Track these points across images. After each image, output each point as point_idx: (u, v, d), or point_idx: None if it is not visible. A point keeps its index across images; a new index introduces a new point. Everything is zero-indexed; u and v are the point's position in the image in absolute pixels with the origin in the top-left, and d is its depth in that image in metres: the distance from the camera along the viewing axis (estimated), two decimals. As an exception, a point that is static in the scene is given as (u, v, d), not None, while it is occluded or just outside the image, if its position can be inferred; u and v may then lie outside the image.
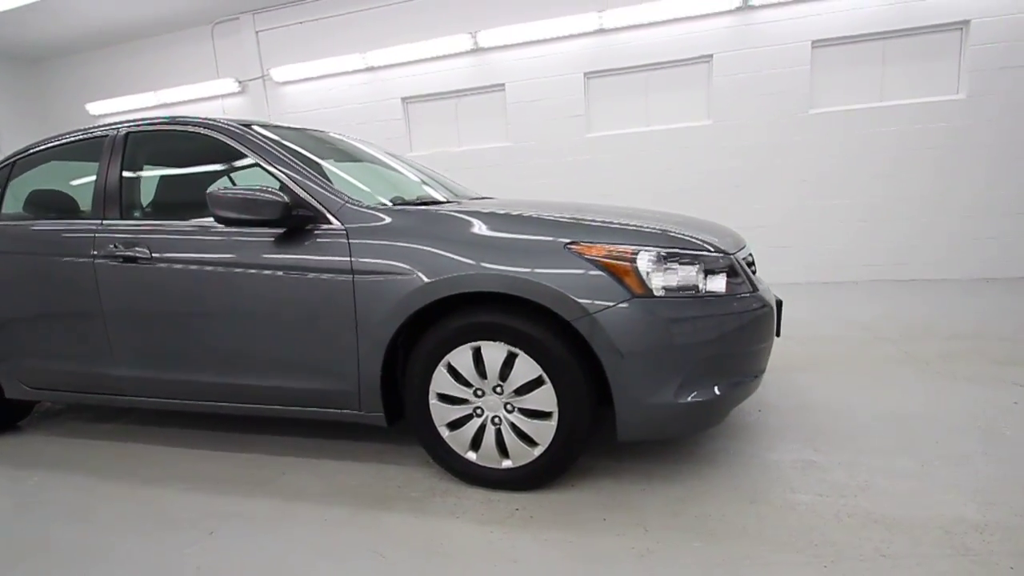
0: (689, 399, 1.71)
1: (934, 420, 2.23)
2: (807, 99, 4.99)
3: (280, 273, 1.97)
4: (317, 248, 1.94)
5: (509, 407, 1.81)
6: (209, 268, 2.07)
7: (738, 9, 4.95)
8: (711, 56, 5.14)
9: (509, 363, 1.77)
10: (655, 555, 1.51)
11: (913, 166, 4.88)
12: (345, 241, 1.91)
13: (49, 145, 2.60)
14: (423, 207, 2.01)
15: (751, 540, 1.55)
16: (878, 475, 1.84)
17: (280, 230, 2.00)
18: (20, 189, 2.71)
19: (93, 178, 2.65)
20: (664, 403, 1.69)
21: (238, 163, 2.33)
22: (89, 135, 2.50)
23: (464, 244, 1.79)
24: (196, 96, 6.75)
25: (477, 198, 2.84)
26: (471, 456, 1.88)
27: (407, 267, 1.80)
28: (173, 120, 2.32)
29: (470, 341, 1.79)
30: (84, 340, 2.32)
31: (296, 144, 2.24)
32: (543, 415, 1.78)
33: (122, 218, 2.29)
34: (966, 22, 4.59)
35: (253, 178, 2.67)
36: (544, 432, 1.78)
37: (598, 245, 1.71)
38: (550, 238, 1.75)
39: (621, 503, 1.77)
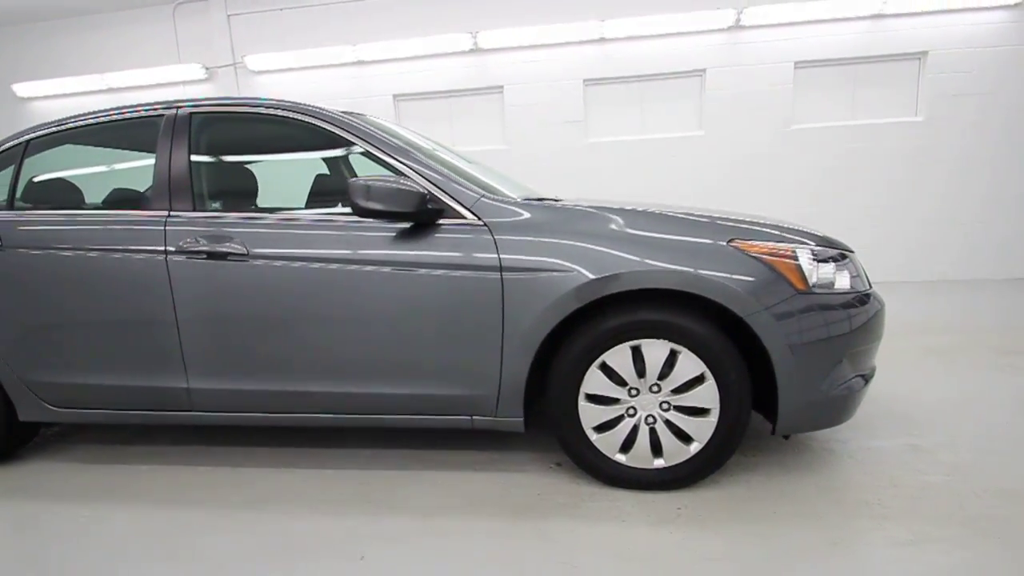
0: (838, 391, 1.78)
1: (991, 403, 2.48)
2: (789, 115, 5.39)
3: (410, 271, 1.83)
4: (453, 244, 1.82)
5: (665, 405, 1.80)
6: (319, 265, 1.88)
7: (730, 28, 5.26)
8: (704, 70, 5.42)
9: (669, 361, 1.76)
10: (846, 542, 1.56)
11: (878, 180, 5.40)
12: (489, 237, 1.81)
13: (73, 125, 2.25)
14: (556, 202, 1.95)
15: (919, 519, 1.64)
16: (982, 454, 2.02)
17: (405, 224, 1.87)
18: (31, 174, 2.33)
19: (130, 163, 2.36)
20: (820, 395, 1.75)
21: (330, 152, 2.15)
22: (130, 115, 2.19)
23: (624, 241, 1.76)
24: (152, 81, 6.11)
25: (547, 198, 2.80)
26: (620, 458, 1.84)
27: (566, 263, 1.74)
28: (255, 102, 2.09)
29: (629, 340, 1.76)
30: (143, 348, 2.02)
31: (391, 134, 2.09)
32: (701, 412, 1.78)
33: (195, 209, 2.03)
34: (924, 53, 5.18)
35: (336, 168, 2.47)
36: (703, 429, 1.78)
37: (760, 243, 1.75)
38: (710, 235, 1.77)
39: (778, 495, 1.81)
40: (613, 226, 1.82)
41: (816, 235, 1.87)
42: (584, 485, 1.92)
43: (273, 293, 1.91)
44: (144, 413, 2.11)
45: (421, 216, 1.81)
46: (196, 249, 1.93)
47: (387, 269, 1.85)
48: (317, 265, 1.88)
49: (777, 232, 1.81)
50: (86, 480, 2.16)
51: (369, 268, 1.86)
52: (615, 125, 5.67)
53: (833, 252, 1.82)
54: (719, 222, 1.82)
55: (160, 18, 6.06)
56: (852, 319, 1.79)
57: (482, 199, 1.88)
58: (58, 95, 6.36)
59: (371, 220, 1.89)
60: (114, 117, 2.22)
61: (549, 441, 2.23)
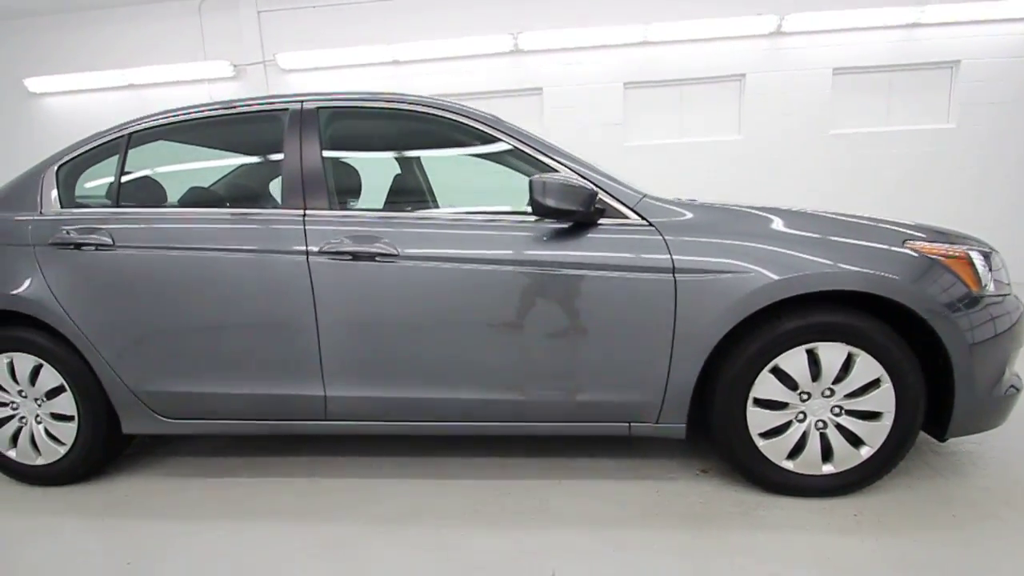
0: (1004, 392, 1.78)
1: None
2: (828, 120, 5.46)
3: (572, 272, 1.77)
4: (619, 245, 1.77)
5: (837, 410, 1.76)
6: (472, 267, 1.80)
7: (771, 34, 5.31)
8: (744, 75, 5.46)
9: (846, 364, 1.73)
10: (1047, 545, 1.55)
11: (912, 185, 5.51)
12: (658, 238, 1.76)
13: (179, 118, 2.13)
14: (714, 204, 1.91)
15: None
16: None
17: (564, 224, 1.80)
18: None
19: (239, 159, 2.25)
20: (990, 398, 1.74)
21: (474, 149, 2.07)
22: (245, 108, 2.08)
23: (801, 243, 1.72)
24: (176, 78, 5.91)
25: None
26: (787, 464, 1.81)
27: (745, 265, 1.70)
28: (395, 97, 2.00)
29: (804, 343, 1.72)
30: (277, 354, 1.92)
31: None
32: (873, 416, 1.75)
33: (331, 208, 1.93)
34: (957, 62, 5.30)
35: (451, 166, 2.38)
36: (875, 433, 1.75)
37: (935, 244, 1.74)
38: (883, 237, 1.74)
39: (946, 498, 1.79)
40: (781, 227, 1.78)
41: (969, 236, 1.87)
42: (742, 492, 1.87)
43: (423, 295, 1.83)
44: (272, 423, 2.00)
45: (587, 215, 1.75)
46: (342, 250, 1.83)
47: (547, 270, 1.78)
48: (470, 266, 1.80)
49: (945, 234, 1.80)
50: (192, 495, 2.03)
51: (528, 269, 1.79)
52: (654, 128, 5.67)
53: (996, 255, 1.82)
54: (883, 224, 1.80)
55: (185, 13, 5.87)
56: (1013, 318, 1.78)
57: (645, 199, 1.83)
58: (73, 91, 6.11)
59: (527, 219, 1.84)
60: (226, 110, 2.10)
61: (677, 447, 2.19)
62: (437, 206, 2.18)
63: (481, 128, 1.93)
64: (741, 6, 5.26)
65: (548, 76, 5.60)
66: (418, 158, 2.26)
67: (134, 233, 1.96)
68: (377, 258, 1.83)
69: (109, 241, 1.95)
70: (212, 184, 2.25)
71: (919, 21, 5.18)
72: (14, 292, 1.98)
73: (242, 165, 2.34)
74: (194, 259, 1.91)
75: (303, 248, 1.86)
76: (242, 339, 1.92)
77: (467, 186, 2.28)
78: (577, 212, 1.70)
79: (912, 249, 1.71)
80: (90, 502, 2.02)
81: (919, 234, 1.77)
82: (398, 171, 2.21)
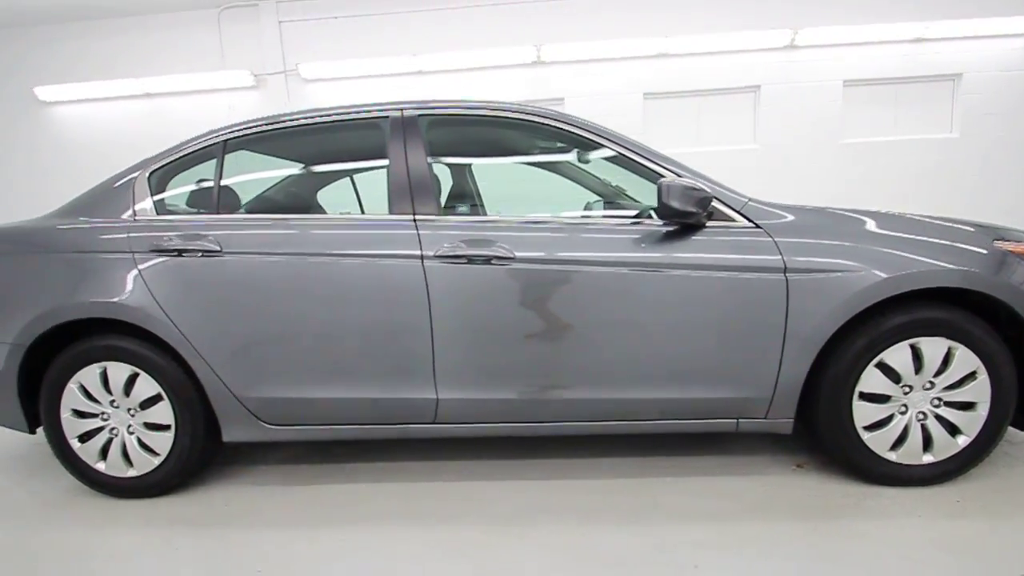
0: None
1: None
2: (839, 130, 5.67)
3: (685, 273, 1.83)
4: (730, 246, 1.84)
5: (936, 401, 1.85)
6: (586, 268, 1.85)
7: (785, 47, 5.51)
8: (759, 86, 5.64)
9: (946, 358, 1.81)
10: None
11: (920, 192, 5.73)
12: (768, 239, 1.83)
13: (273, 125, 2.15)
14: (808, 206, 2.00)
15: None
16: None
17: (671, 227, 1.87)
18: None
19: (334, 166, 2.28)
20: None
21: (561, 155, 2.13)
22: (340, 116, 2.11)
23: (903, 243, 1.81)
24: (194, 87, 5.85)
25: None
26: (890, 456, 1.88)
27: (853, 264, 1.78)
28: (494, 105, 2.05)
29: (908, 338, 1.81)
30: (389, 358, 1.93)
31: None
32: (969, 406, 1.84)
33: (439, 213, 1.97)
34: (959, 75, 5.56)
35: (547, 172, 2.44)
36: (972, 423, 1.84)
37: (1022, 244, 1.84)
38: (975, 238, 1.85)
39: (1037, 485, 1.89)
40: (878, 228, 1.87)
41: None
42: (845, 485, 1.94)
43: (538, 297, 1.87)
44: (380, 427, 2.00)
45: (701, 218, 1.82)
46: (457, 253, 1.86)
47: (661, 272, 1.84)
48: (584, 268, 1.85)
49: (1017, 231, 1.92)
50: (294, 502, 2.03)
51: (640, 271, 1.85)
52: (673, 137, 5.80)
53: None
54: (967, 225, 1.91)
55: (203, 22, 5.82)
56: None
57: (750, 202, 1.91)
58: (86, 100, 5.99)
59: (635, 222, 1.91)
60: (322, 118, 2.13)
61: (762, 443, 2.26)
62: (537, 211, 2.22)
63: (585, 135, 1.99)
64: (756, 20, 5.44)
65: (569, 87, 5.70)
66: (517, 164, 2.31)
67: (242, 239, 1.96)
68: (493, 261, 1.86)
69: (216, 247, 1.95)
70: (304, 190, 2.26)
71: (924, 36, 5.43)
72: (115, 300, 1.96)
73: (339, 172, 2.36)
74: (304, 265, 1.92)
75: (418, 252, 1.88)
76: (353, 343, 1.93)
77: (565, 192, 2.33)
78: (696, 214, 1.77)
79: (1002, 247, 1.82)
80: (191, 513, 2.00)
81: (1003, 234, 1.88)
82: (495, 176, 2.26)
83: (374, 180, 2.30)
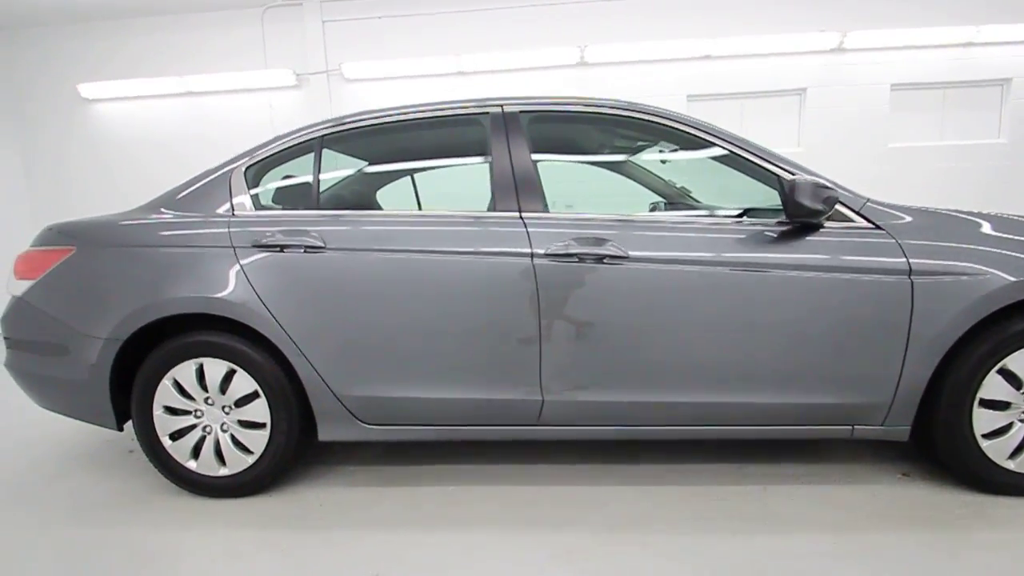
0: None
1: None
2: (886, 135, 5.60)
3: (803, 275, 1.79)
4: (850, 247, 1.80)
5: (1061, 409, 1.79)
6: (699, 269, 1.81)
7: (832, 50, 5.45)
8: (805, 89, 5.58)
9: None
10: None
11: (966, 198, 5.65)
12: (891, 240, 1.78)
13: (369, 120, 2.12)
14: (923, 208, 1.95)
15: None
16: None
17: (786, 227, 1.83)
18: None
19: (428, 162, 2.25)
20: None
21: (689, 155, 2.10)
22: (436, 112, 2.08)
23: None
24: (236, 86, 5.86)
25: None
26: (1009, 464, 1.82)
27: (978, 267, 1.73)
28: (599, 101, 2.03)
29: (1034, 344, 1.75)
30: (495, 358, 1.90)
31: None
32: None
33: (545, 210, 1.93)
34: (1009, 80, 5.49)
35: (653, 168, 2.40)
36: (1095, 434, 1.79)
37: None
38: None
39: None
40: (997, 231, 1.82)
41: None
42: (959, 494, 1.90)
43: (651, 298, 1.83)
44: (480, 428, 1.96)
45: (822, 218, 1.78)
46: (570, 252, 1.83)
47: (779, 272, 1.80)
48: (699, 268, 1.81)
49: None
50: (393, 504, 1.99)
51: (757, 271, 1.80)
52: (715, 141, 5.76)
53: None
54: None
55: (246, 22, 5.84)
56: None
57: (868, 203, 1.86)
58: (128, 97, 6.02)
59: (749, 221, 1.87)
60: (419, 114, 2.10)
61: (860, 451, 2.21)
62: (643, 209, 2.19)
63: (695, 133, 1.96)
64: (804, 23, 5.40)
65: (613, 89, 5.66)
66: (620, 162, 2.28)
67: (347, 235, 1.94)
68: (605, 260, 1.82)
69: (320, 243, 1.92)
70: (399, 186, 2.24)
71: (973, 40, 5.35)
72: (218, 295, 1.93)
73: (437, 167, 2.33)
74: (410, 261, 1.89)
75: (527, 250, 1.85)
76: (458, 342, 1.90)
77: (672, 189, 2.30)
78: (823, 212, 1.73)
79: None
80: (287, 513, 1.97)
81: None
82: (599, 173, 2.23)
83: (460, 176, 2.28)
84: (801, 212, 1.73)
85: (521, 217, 1.90)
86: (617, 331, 1.84)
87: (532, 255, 1.84)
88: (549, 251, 1.84)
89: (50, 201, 6.28)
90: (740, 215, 2.05)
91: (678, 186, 2.72)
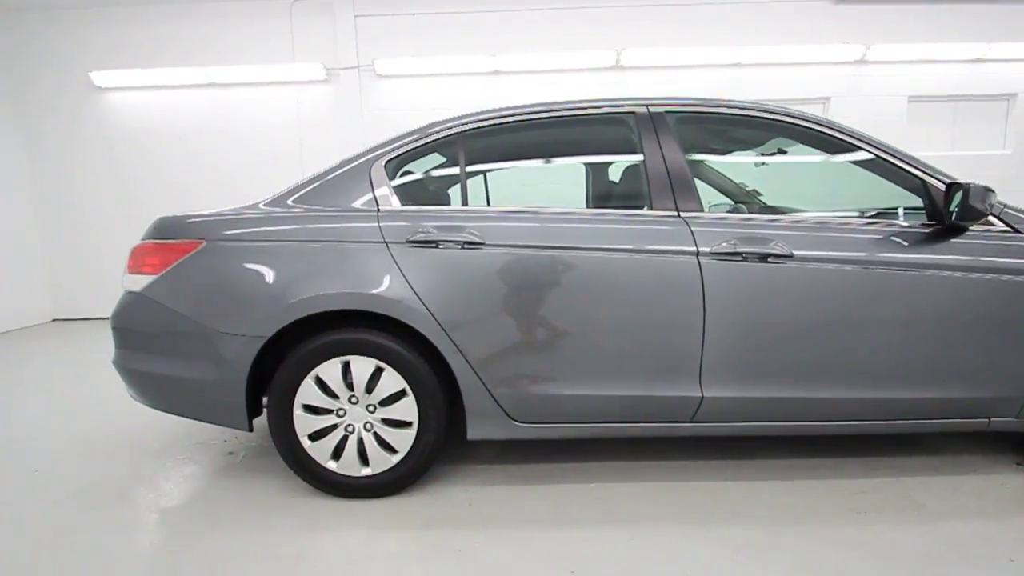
0: None
1: None
2: (903, 145, 5.85)
3: (954, 275, 1.88)
4: (994, 249, 1.90)
5: None
6: (859, 268, 1.88)
7: (855, 62, 5.69)
8: (829, 98, 5.81)
9: None
10: None
11: (973, 205, 5.97)
12: None
13: (508, 117, 2.11)
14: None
15: None
16: None
17: (930, 229, 1.92)
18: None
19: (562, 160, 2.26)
20: None
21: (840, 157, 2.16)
22: (582, 111, 2.09)
23: None
24: (263, 79, 5.71)
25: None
26: None
27: None
28: (745, 105, 2.07)
29: None
30: (655, 355, 1.91)
31: None
32: None
33: (701, 210, 1.96)
34: (1013, 95, 5.84)
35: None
36: None
37: None
38: None
39: None
40: None
41: None
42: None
43: (814, 296, 1.88)
44: (633, 426, 1.97)
45: (977, 221, 1.87)
46: (736, 251, 1.86)
47: (929, 272, 1.88)
48: (859, 268, 1.88)
49: None
50: (545, 502, 1.98)
51: (910, 271, 1.88)
52: (743, 146, 5.92)
53: None
54: None
55: (273, 13, 5.69)
56: None
57: (1005, 208, 1.96)
58: (145, 87, 5.78)
59: (901, 223, 1.96)
60: (561, 112, 2.10)
61: (965, 442, 2.32)
62: (795, 209, 2.24)
63: (842, 138, 2.02)
64: (829, 34, 5.61)
65: (644, 93, 5.74)
66: (764, 163, 2.33)
67: (505, 231, 1.92)
68: (769, 259, 1.87)
69: (478, 239, 1.90)
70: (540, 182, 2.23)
71: (984, 57, 5.68)
72: (374, 292, 1.89)
73: (584, 165, 2.33)
74: (569, 259, 1.89)
75: (693, 249, 1.87)
76: (618, 340, 1.91)
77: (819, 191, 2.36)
78: (986, 215, 1.81)
79: None
80: (440, 514, 1.93)
81: None
82: (745, 175, 2.27)
83: (600, 175, 2.29)
84: (972, 215, 1.81)
85: (680, 215, 1.93)
86: (779, 329, 1.89)
87: (698, 253, 1.87)
88: (714, 249, 1.87)
89: (54, 192, 5.98)
90: (877, 216, 2.13)
91: (748, 189, 2.80)
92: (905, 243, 1.91)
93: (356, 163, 2.10)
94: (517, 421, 1.97)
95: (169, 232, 2.05)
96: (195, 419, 2.11)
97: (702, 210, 1.95)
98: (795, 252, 1.87)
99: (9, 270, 5.71)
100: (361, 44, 5.69)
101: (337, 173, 2.11)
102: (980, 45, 5.62)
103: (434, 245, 1.92)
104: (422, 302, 1.88)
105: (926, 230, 1.93)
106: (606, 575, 1.59)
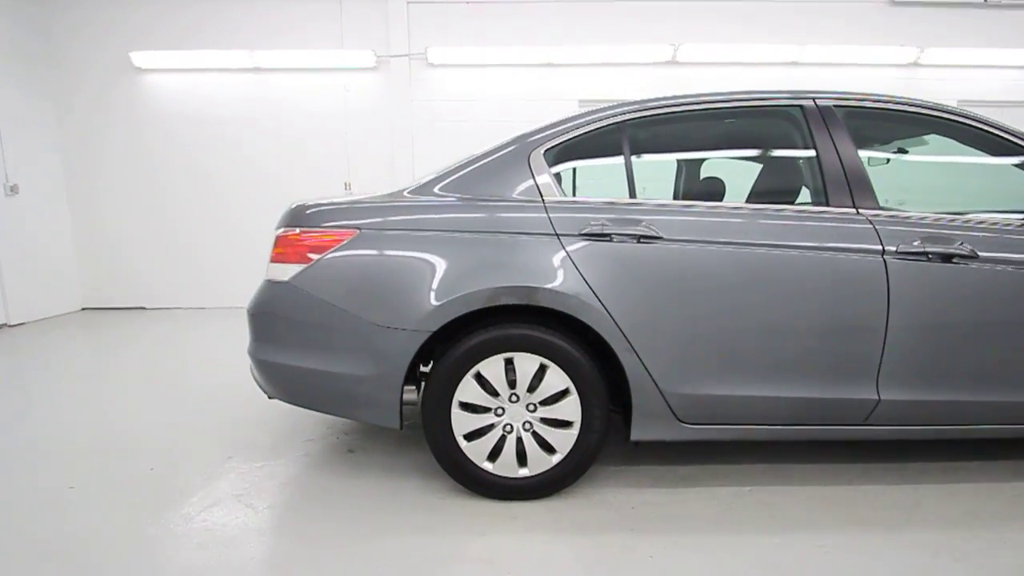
0: None
1: None
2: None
3: None
4: None
5: None
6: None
7: (909, 64, 5.69)
8: (880, 101, 5.81)
9: None
10: None
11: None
12: None
13: (674, 107, 2.04)
14: None
15: None
16: None
17: None
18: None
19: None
20: None
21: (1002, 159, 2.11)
22: (745, 102, 2.04)
23: None
24: (309, 65, 5.55)
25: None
26: None
27: None
28: (919, 103, 2.02)
29: None
30: (832, 356, 1.85)
31: None
32: None
33: (878, 207, 1.91)
34: (1061, 102, 5.89)
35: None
36: None
37: None
38: None
39: None
40: None
41: None
42: None
43: (996, 299, 1.83)
44: (803, 428, 1.92)
45: None
46: (923, 250, 1.81)
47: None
48: (1030, 271, 1.84)
49: None
50: (707, 506, 1.92)
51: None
52: (793, 146, 5.91)
53: None
54: None
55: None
56: None
57: None
58: (186, 69, 5.59)
59: None
60: (724, 103, 2.04)
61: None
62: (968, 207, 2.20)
63: (1014, 140, 1.98)
64: (884, 36, 5.61)
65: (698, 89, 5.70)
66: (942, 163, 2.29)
67: (685, 225, 1.85)
68: (954, 259, 1.82)
69: (656, 233, 1.83)
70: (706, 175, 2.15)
71: (1033, 62, 5.73)
72: (548, 286, 1.80)
73: (740, 158, 2.25)
74: (749, 255, 1.82)
75: (878, 247, 1.82)
76: (794, 340, 1.84)
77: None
78: None
79: None
80: (608, 517, 1.85)
81: None
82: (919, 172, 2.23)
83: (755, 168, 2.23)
84: None
85: (859, 213, 1.87)
86: (961, 331, 1.84)
87: (883, 252, 1.81)
88: (900, 249, 1.82)
89: (85, 177, 5.77)
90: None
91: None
92: (1081, 245, 1.87)
93: (510, 150, 2.01)
94: (684, 422, 1.90)
95: (317, 220, 1.94)
96: (337, 415, 2.02)
97: (879, 207, 1.90)
98: (980, 253, 1.82)
99: (40, 258, 5.50)
100: (412, 31, 5.56)
101: (488, 160, 2.01)
102: (1028, 51, 5.66)
103: (607, 238, 1.84)
104: (597, 298, 1.81)
105: None
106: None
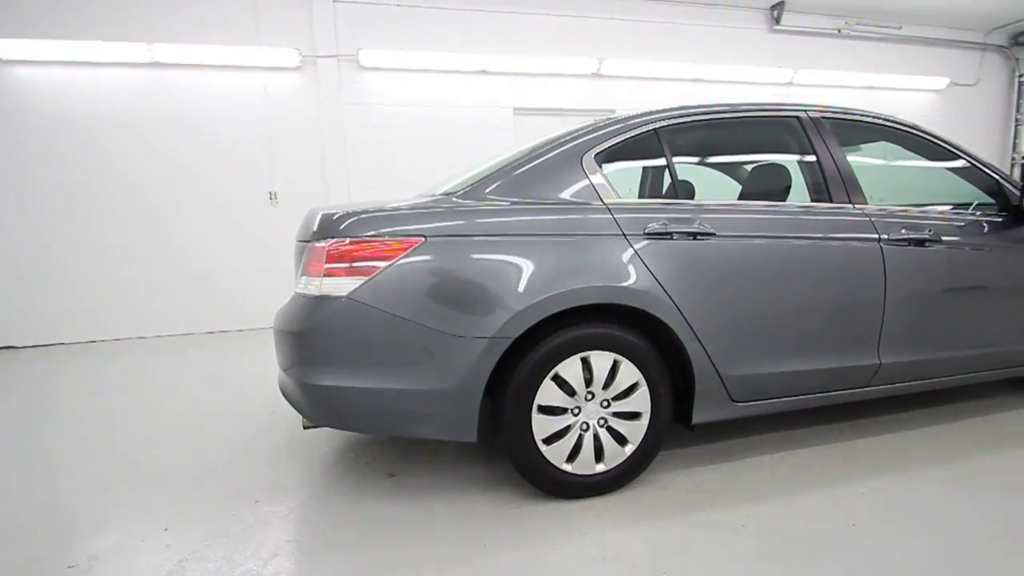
0: None
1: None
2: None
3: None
4: None
5: None
6: (984, 252, 2.37)
7: (785, 84, 6.65)
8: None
9: None
10: None
11: None
12: None
13: (703, 115, 2.23)
14: None
15: None
16: None
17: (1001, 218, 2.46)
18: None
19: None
20: None
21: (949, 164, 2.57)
22: (759, 113, 2.31)
23: None
24: (221, 62, 4.99)
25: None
26: None
27: None
28: (880, 116, 2.42)
29: None
30: (846, 330, 2.18)
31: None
32: None
33: (867, 203, 2.27)
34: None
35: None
36: None
37: None
38: None
39: None
40: None
41: None
42: None
43: (964, 270, 2.34)
44: (828, 394, 2.21)
45: None
46: (908, 238, 2.20)
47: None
48: (975, 248, 2.34)
49: None
50: (755, 476, 2.13)
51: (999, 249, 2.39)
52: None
53: None
54: None
55: (234, -11, 5.01)
56: None
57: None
58: (63, 62, 4.72)
59: (984, 214, 2.45)
60: (742, 113, 2.29)
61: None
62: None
63: (945, 146, 2.47)
64: (766, 58, 6.50)
65: (622, 101, 6.10)
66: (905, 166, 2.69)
67: (734, 223, 2.04)
68: (925, 244, 2.23)
69: (711, 230, 1.98)
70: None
71: (874, 85, 7.00)
72: (624, 284, 1.87)
73: (751, 162, 2.48)
74: (786, 247, 2.07)
75: (876, 236, 2.17)
76: (824, 318, 2.13)
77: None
78: None
79: None
80: (682, 500, 1.96)
81: None
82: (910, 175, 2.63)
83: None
84: None
85: (856, 208, 2.22)
86: (936, 299, 2.28)
87: (879, 240, 2.17)
88: (891, 236, 2.19)
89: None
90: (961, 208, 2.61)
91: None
92: (992, 228, 2.40)
93: (560, 152, 2.04)
94: (736, 401, 2.08)
95: (372, 228, 1.81)
96: (403, 435, 1.90)
97: (867, 203, 2.26)
98: (943, 237, 2.26)
99: None
100: (341, 31, 5.27)
101: (538, 163, 2.03)
102: (868, 75, 6.92)
103: (669, 236, 1.96)
104: (666, 292, 1.92)
105: (999, 219, 2.45)
106: (894, 521, 1.78)
